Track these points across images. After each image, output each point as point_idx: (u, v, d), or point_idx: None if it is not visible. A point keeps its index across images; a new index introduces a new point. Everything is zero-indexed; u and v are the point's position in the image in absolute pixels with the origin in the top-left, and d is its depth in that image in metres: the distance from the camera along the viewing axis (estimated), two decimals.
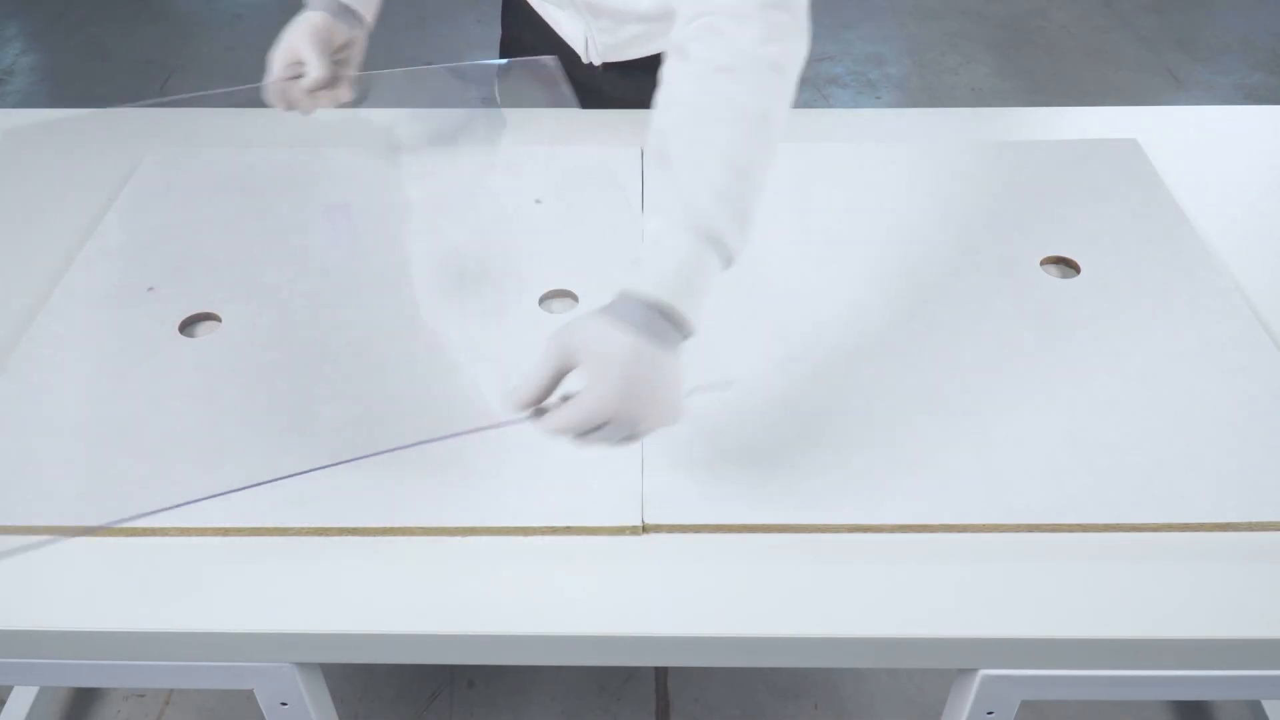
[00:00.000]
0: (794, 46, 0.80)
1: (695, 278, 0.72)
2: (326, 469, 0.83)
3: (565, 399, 0.72)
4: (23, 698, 1.39)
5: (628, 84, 1.22)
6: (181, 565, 0.78)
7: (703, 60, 0.78)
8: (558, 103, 1.14)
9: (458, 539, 0.79)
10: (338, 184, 1.17)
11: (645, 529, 0.79)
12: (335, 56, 1.03)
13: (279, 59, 1.01)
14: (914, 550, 0.78)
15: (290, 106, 1.02)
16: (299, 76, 1.00)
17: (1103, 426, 0.86)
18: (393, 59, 3.58)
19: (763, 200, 0.76)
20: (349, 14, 1.04)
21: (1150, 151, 1.20)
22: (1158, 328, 0.96)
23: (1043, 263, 1.05)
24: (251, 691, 0.81)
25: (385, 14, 1.11)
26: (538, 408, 0.73)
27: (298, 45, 1.00)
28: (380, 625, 0.74)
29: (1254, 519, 0.79)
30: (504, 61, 1.24)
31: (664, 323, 0.71)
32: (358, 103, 1.04)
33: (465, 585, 0.76)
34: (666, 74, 0.80)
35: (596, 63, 1.21)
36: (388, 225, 1.10)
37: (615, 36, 1.18)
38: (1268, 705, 1.35)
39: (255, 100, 1.03)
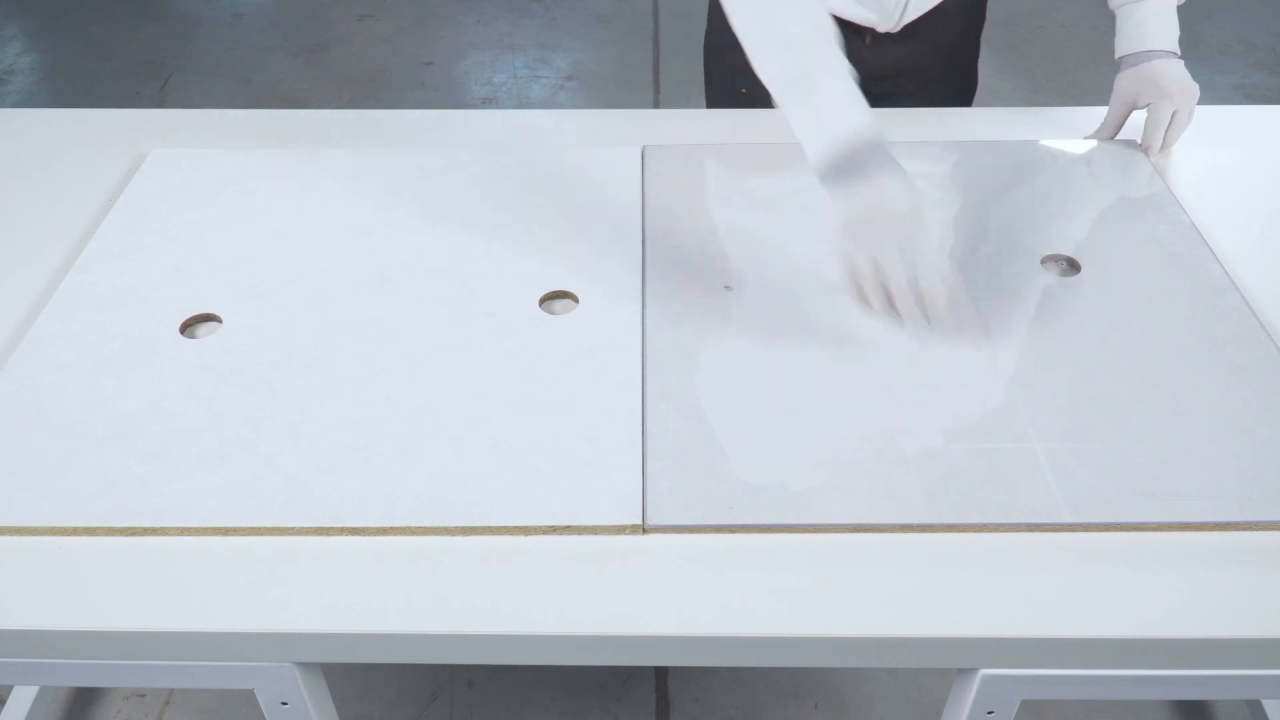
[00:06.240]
0: None
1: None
2: (326, 469, 0.83)
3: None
4: (23, 698, 1.39)
5: (915, 43, 1.25)
6: (181, 565, 0.78)
7: None
8: None
9: (458, 539, 0.79)
10: (338, 184, 1.17)
11: (645, 529, 0.79)
12: None
13: None
14: (914, 550, 0.78)
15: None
16: None
17: (1103, 425, 0.86)
18: (394, 58, 3.58)
19: None
20: None
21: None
22: (1158, 326, 0.96)
23: (1043, 261, 1.05)
24: (252, 691, 0.81)
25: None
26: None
27: None
28: (380, 625, 0.74)
29: (1254, 519, 0.79)
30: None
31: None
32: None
33: (465, 585, 0.76)
34: None
35: (905, 23, 1.22)
36: (388, 226, 1.10)
37: None
38: (1268, 705, 1.35)
39: None
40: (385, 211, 1.12)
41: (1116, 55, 1.19)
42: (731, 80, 1.33)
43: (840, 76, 0.90)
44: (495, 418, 0.88)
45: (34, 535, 0.80)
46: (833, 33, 0.92)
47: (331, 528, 0.79)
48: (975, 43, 1.40)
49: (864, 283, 0.89)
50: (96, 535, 0.80)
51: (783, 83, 0.91)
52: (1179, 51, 1.16)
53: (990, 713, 0.80)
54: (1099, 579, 0.76)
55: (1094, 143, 1.22)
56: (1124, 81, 1.18)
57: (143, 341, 0.96)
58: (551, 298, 1.01)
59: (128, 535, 0.80)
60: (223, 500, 0.81)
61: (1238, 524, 0.79)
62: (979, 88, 1.45)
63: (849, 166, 0.88)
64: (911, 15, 1.21)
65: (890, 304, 0.89)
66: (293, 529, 0.80)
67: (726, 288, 1.01)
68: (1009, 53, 3.13)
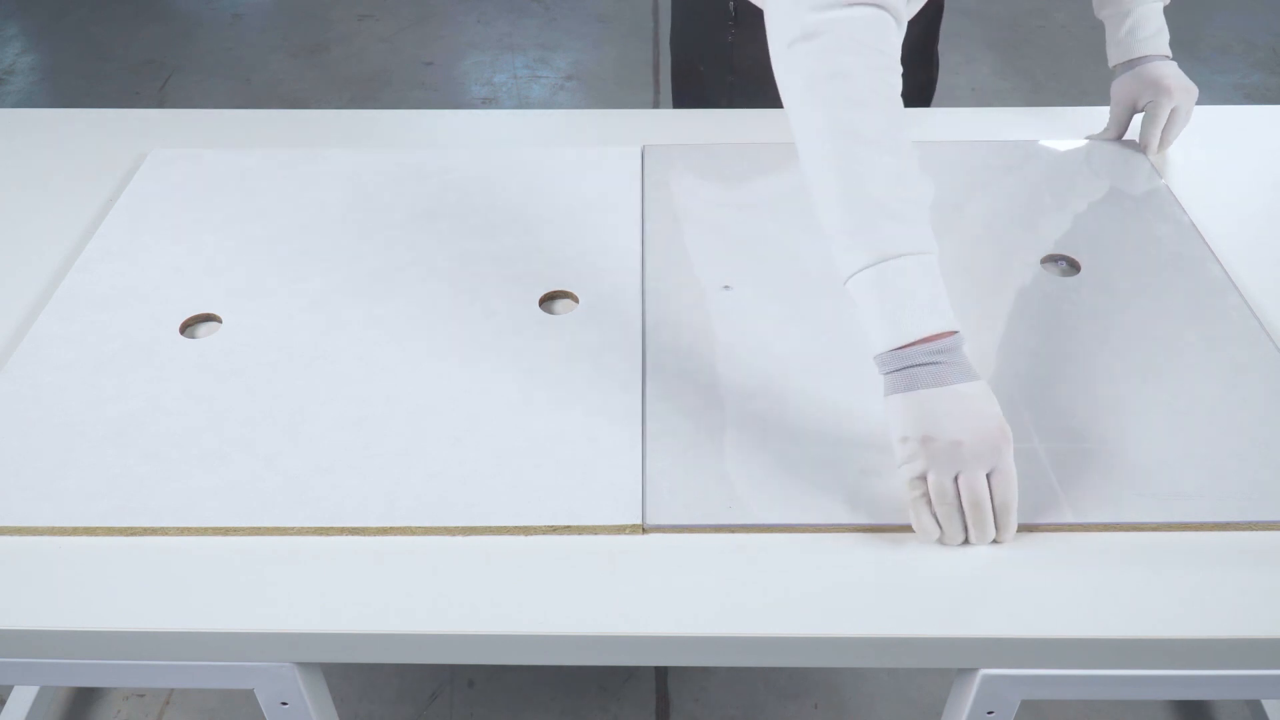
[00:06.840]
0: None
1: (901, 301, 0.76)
2: (326, 469, 0.83)
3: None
4: (23, 698, 1.39)
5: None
6: (181, 565, 0.78)
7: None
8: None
9: (458, 539, 0.79)
10: (338, 184, 1.17)
11: (645, 529, 0.79)
12: None
13: None
14: (914, 550, 0.78)
15: None
16: None
17: (1103, 425, 0.86)
18: (394, 58, 3.57)
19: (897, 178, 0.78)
20: None
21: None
22: (1158, 326, 0.96)
23: (1043, 261, 1.05)
24: (252, 691, 0.81)
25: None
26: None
27: None
28: (380, 625, 0.74)
29: (1254, 519, 0.79)
30: None
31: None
32: None
33: (465, 585, 0.76)
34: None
35: None
36: (387, 226, 1.10)
37: None
38: (1268, 705, 1.35)
39: None
40: (385, 211, 1.12)
41: (1111, 64, 1.20)
42: (702, 94, 1.34)
43: (930, 266, 0.77)
44: (495, 418, 0.88)
45: (34, 535, 0.80)
46: (928, 201, 0.85)
47: (331, 528, 0.79)
48: (935, 35, 1.39)
49: (944, 508, 0.76)
50: (96, 535, 0.80)
51: (864, 258, 0.77)
52: (1170, 54, 1.17)
53: (990, 713, 0.80)
54: (1099, 579, 0.76)
55: (1094, 143, 1.22)
56: (1122, 85, 1.19)
57: (143, 341, 0.96)
58: (551, 298, 1.01)
59: (128, 535, 0.80)
60: (223, 500, 0.81)
61: (1238, 524, 0.79)
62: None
63: (922, 369, 0.76)
64: None
65: (960, 531, 0.77)
66: (293, 529, 0.80)
67: (726, 288, 1.01)
68: (1009, 53, 3.13)
